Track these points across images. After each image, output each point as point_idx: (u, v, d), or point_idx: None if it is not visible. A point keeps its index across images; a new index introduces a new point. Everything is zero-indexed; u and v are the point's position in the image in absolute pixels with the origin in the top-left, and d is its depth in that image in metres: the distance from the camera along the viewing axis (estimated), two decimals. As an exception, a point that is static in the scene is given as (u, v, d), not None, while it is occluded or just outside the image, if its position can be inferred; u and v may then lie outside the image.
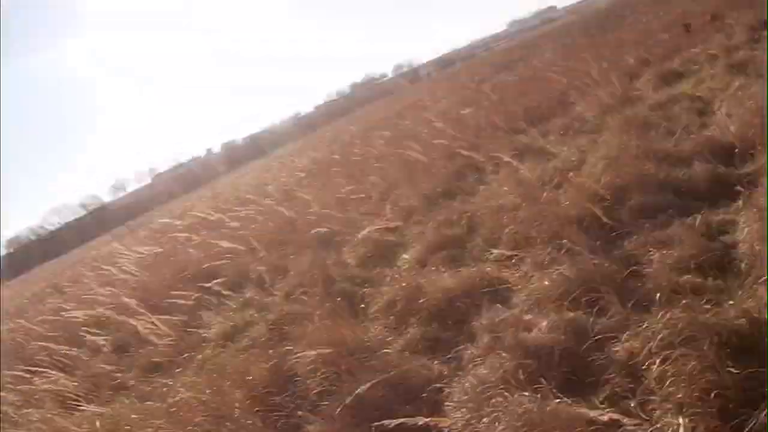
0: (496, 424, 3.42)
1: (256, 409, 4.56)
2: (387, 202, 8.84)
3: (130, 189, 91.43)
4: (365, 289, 6.32)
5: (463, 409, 3.81)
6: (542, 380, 3.60)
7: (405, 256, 6.79)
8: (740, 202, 4.73)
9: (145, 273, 9.54)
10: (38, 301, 14.74)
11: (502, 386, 3.73)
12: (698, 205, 5.01)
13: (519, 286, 4.97)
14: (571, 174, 6.42)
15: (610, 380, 3.59)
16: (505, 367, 3.92)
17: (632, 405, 3.33)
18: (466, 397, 3.90)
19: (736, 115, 6.20)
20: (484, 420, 3.54)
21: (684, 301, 3.64)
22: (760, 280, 3.66)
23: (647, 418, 3.20)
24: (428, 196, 8.25)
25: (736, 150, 5.56)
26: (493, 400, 3.61)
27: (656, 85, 9.31)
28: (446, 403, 4.02)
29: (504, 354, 4.08)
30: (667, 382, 3.23)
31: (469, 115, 12.13)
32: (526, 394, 3.54)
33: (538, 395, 3.49)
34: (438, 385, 4.22)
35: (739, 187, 4.76)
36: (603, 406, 3.41)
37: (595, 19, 28.94)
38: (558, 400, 3.43)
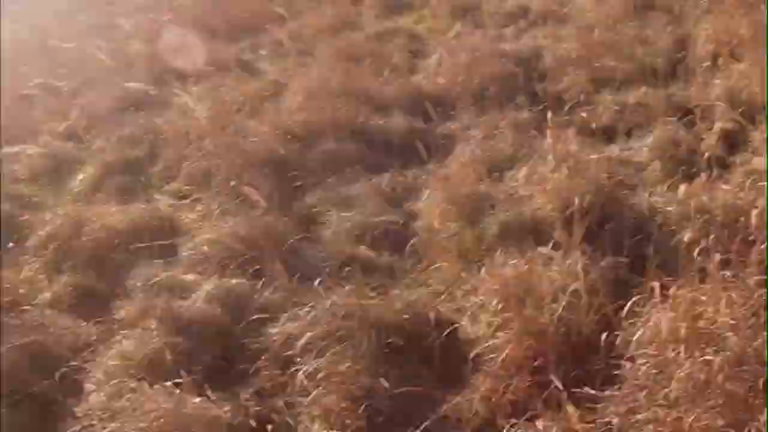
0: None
1: None
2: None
3: None
4: (27, 216, 5.20)
5: (102, 395, 3.19)
6: (189, 368, 3.07)
7: (81, 176, 5.76)
8: (430, 166, 4.47)
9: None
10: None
11: (143, 372, 3.18)
12: (390, 162, 4.71)
13: (191, 234, 4.36)
14: (267, 104, 5.86)
15: (263, 370, 3.15)
16: (153, 344, 3.36)
17: (279, 404, 2.96)
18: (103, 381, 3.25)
19: (448, 64, 5.86)
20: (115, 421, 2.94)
21: (348, 286, 3.28)
22: (432, 267, 3.46)
23: (291, 423, 2.86)
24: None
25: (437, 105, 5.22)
26: (129, 395, 3.01)
27: (380, 13, 8.53)
28: (86, 384, 3.31)
29: (154, 326, 3.51)
30: (319, 382, 2.89)
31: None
32: (168, 384, 3.00)
33: (179, 390, 2.95)
34: (82, 356, 3.49)
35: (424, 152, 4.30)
36: (250, 402, 2.99)
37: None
38: (200, 398, 2.90)
